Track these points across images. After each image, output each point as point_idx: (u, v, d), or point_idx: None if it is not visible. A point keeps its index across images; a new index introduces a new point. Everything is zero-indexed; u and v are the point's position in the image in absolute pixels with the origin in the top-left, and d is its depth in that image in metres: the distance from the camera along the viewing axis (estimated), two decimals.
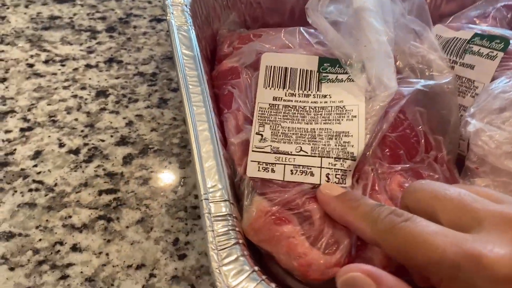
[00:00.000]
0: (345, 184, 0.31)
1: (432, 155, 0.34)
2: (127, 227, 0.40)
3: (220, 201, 0.30)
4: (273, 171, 0.32)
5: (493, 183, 0.33)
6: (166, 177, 0.44)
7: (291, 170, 0.31)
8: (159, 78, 0.54)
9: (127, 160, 0.45)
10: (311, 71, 0.35)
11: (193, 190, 0.43)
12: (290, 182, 0.31)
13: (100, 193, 0.42)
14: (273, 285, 0.27)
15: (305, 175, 0.31)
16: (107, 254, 0.38)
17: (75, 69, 0.54)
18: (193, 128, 0.33)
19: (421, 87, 0.35)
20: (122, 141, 0.47)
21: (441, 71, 0.40)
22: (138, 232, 0.40)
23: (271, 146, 0.33)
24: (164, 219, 0.41)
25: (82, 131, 0.47)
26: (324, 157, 0.31)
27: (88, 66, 0.55)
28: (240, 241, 0.29)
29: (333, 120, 0.33)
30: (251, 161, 0.32)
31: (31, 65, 0.54)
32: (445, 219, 0.25)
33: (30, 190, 0.42)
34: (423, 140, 0.34)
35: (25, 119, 0.48)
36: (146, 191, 0.43)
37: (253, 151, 0.33)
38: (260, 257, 0.31)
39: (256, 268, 0.28)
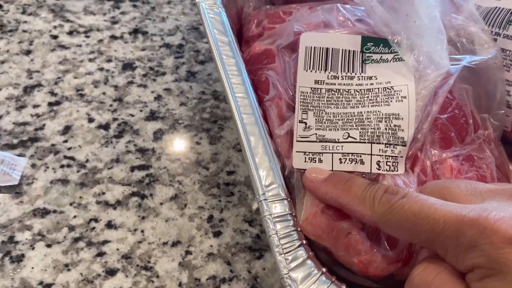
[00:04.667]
0: (397, 171, 0.30)
1: (481, 134, 0.33)
2: (161, 203, 0.40)
3: (278, 200, 0.29)
4: (320, 161, 0.30)
5: None
6: (198, 153, 0.44)
7: (340, 159, 0.30)
8: (186, 49, 0.53)
9: (157, 135, 0.45)
10: (353, 51, 0.33)
11: (225, 167, 0.43)
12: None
13: (133, 169, 0.42)
14: (343, 286, 0.27)
15: (355, 163, 0.30)
16: (142, 231, 0.38)
17: (100, 41, 0.53)
18: (240, 122, 0.32)
19: (467, 63, 0.34)
20: (152, 116, 0.46)
21: (484, 44, 0.38)
22: (172, 208, 0.39)
23: (316, 134, 0.31)
24: (197, 196, 0.40)
25: (110, 105, 0.47)
26: (374, 143, 0.30)
27: (113, 37, 0.54)
28: (304, 241, 0.28)
29: (381, 102, 0.31)
30: (297, 151, 0.31)
31: (55, 37, 0.53)
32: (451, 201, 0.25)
33: (62, 166, 0.42)
34: (471, 120, 0.33)
35: (52, 93, 0.48)
36: (178, 167, 0.42)
37: (297, 141, 0.31)
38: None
39: (324, 269, 0.27)
